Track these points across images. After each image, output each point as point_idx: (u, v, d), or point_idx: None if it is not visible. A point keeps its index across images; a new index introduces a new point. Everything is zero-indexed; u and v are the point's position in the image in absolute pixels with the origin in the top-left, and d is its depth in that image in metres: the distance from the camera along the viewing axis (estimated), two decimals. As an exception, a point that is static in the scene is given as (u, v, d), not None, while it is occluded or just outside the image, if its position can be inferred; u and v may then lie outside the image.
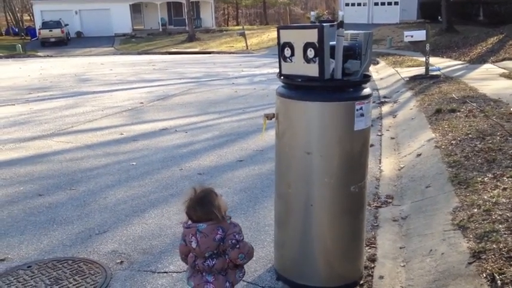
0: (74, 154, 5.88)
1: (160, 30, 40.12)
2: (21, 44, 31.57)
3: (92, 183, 4.83)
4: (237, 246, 2.12)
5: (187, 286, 2.25)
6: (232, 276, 2.18)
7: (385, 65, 16.07)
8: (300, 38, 2.76)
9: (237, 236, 2.13)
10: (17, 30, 45.37)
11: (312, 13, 3.12)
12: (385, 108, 8.85)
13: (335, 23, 2.81)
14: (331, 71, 2.79)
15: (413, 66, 13.74)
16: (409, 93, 9.58)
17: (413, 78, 11.13)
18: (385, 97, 10.02)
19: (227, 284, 2.16)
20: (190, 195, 2.19)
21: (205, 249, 2.09)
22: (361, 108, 2.78)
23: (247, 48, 28.24)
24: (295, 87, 2.86)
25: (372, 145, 6.21)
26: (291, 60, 2.84)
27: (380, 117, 8.04)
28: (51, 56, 27.74)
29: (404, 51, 19.15)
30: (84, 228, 3.79)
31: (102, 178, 5.00)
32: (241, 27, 36.53)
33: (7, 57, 28.25)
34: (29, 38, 39.15)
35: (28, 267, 3.19)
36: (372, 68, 16.11)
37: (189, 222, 2.16)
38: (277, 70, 2.96)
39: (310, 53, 2.72)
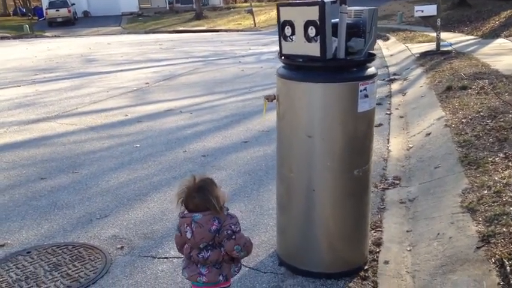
0: (78, 136, 5.83)
1: (168, 8, 39.75)
2: (29, 24, 31.46)
3: (94, 166, 4.78)
4: (233, 237, 2.04)
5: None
6: (226, 269, 2.11)
7: (395, 40, 15.76)
8: (300, 15, 2.63)
9: (233, 226, 2.05)
10: (24, 10, 45.20)
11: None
12: (395, 86, 8.67)
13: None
14: (334, 50, 2.67)
15: (424, 42, 13.44)
16: (419, 70, 9.38)
17: (424, 54, 10.88)
18: (394, 74, 9.82)
19: (220, 277, 2.08)
20: (189, 183, 2.11)
21: (200, 240, 2.02)
22: (365, 89, 2.66)
23: (255, 26, 27.89)
24: (296, 68, 2.74)
25: (380, 124, 6.09)
26: (291, 39, 2.72)
27: (389, 96, 7.88)
28: (59, 36, 27.64)
29: (415, 26, 18.76)
30: (85, 213, 3.75)
31: (105, 161, 4.94)
32: (249, 4, 36.05)
33: (15, 37, 28.21)
34: (37, 18, 38.99)
35: (27, 252, 3.16)
36: (382, 44, 15.83)
37: (185, 211, 2.08)
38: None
39: (311, 31, 2.59)
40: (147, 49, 16.46)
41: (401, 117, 6.45)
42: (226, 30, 27.11)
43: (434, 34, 11.69)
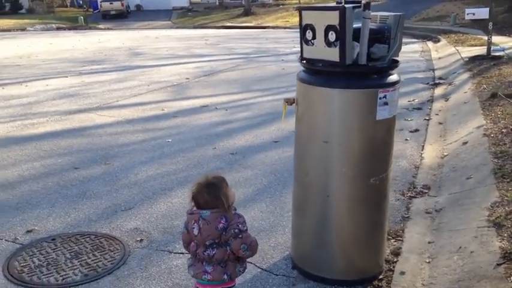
0: (114, 128, 6.01)
1: (217, 4, 40.16)
2: (84, 16, 32.61)
3: (126, 159, 4.92)
4: (240, 236, 2.06)
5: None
6: (231, 268, 2.12)
7: (446, 43, 15.29)
8: (321, 20, 2.61)
9: (240, 226, 2.07)
10: (80, 2, 46.86)
11: (338, -7, 2.94)
12: (438, 91, 8.42)
13: (360, 3, 2.63)
14: (356, 56, 2.64)
15: (475, 46, 12.96)
16: (466, 75, 9.06)
17: (473, 59, 10.49)
18: (440, 78, 9.53)
19: (225, 276, 2.11)
20: (201, 180, 2.15)
21: (207, 237, 2.04)
22: (384, 97, 2.61)
23: (302, 24, 27.69)
24: (315, 72, 2.72)
25: (416, 130, 5.95)
26: (312, 43, 2.70)
27: (431, 100, 7.66)
28: (111, 29, 28.47)
29: (468, 28, 18.10)
30: (111, 204, 3.87)
31: (136, 154, 5.07)
32: (298, 1, 35.88)
33: (70, 28, 29.29)
34: (92, 10, 40.34)
35: (52, 239, 3.29)
36: (431, 46, 15.41)
37: (194, 208, 2.11)
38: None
39: (332, 36, 2.56)
40: (193, 44, 16.70)
41: (440, 123, 6.27)
42: (273, 27, 27.09)
43: (487, 38, 11.26)
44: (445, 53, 13.52)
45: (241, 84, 9.01)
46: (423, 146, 5.40)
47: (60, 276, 2.87)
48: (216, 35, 21.05)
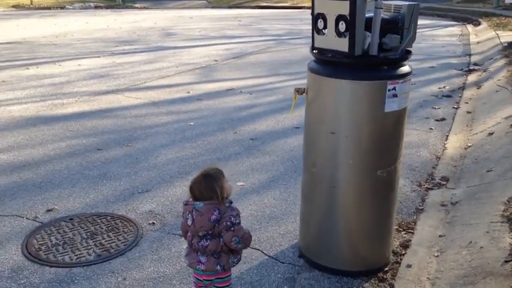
0: (139, 110, 6.12)
1: (254, -17, 39.73)
2: (121, -6, 32.85)
3: (148, 141, 5.02)
4: (232, 228, 2.10)
5: None
6: (224, 260, 2.17)
7: (486, 27, 14.74)
8: (332, 9, 2.59)
9: (232, 218, 2.11)
10: (119, -19, 47.16)
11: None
12: (471, 77, 8.18)
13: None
14: (367, 46, 2.61)
15: (516, 30, 12.48)
16: (502, 61, 8.75)
17: (512, 44, 10.12)
18: (475, 64, 9.25)
19: (218, 266, 2.16)
20: (199, 172, 2.20)
21: (199, 228, 2.10)
22: (393, 89, 2.58)
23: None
24: (325, 63, 2.70)
25: (443, 119, 5.83)
26: (323, 32, 2.68)
27: (462, 88, 7.46)
28: (147, 8, 28.66)
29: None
30: (130, 186, 3.98)
31: (158, 136, 5.17)
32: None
33: (107, 7, 29.62)
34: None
35: (70, 219, 3.43)
36: (470, 30, 14.90)
37: (190, 199, 2.17)
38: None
39: (342, 26, 2.54)
40: (225, 25, 16.68)
41: (468, 112, 6.11)
42: (308, 8, 26.67)
43: (526, 22, 10.81)
44: (484, 37, 13.06)
45: (269, 67, 8.98)
46: (447, 135, 5.29)
47: (75, 255, 3.00)
48: (250, 15, 20.93)
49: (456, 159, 4.62)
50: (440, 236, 3.29)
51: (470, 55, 10.40)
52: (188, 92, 7.06)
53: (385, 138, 2.69)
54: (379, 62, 2.59)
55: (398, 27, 2.67)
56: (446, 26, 15.92)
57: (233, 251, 2.20)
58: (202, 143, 4.98)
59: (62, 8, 28.18)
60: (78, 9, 28.17)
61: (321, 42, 2.72)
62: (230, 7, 28.61)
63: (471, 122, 5.73)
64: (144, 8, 29.26)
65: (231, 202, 2.18)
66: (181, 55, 10.31)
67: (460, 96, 6.93)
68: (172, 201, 3.71)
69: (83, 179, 4.11)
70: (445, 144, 5.03)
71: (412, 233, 3.37)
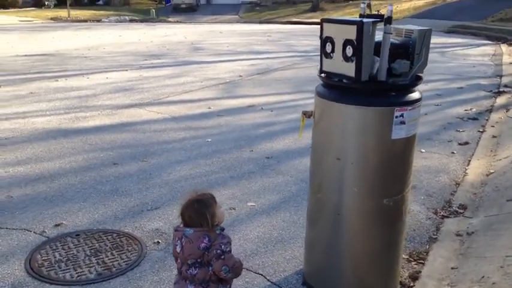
0: (159, 125, 6.16)
1: (286, -1, 40.01)
2: (155, 9, 33.63)
3: (163, 157, 5.04)
4: (222, 257, 2.04)
5: None
6: None
7: (520, 47, 14.38)
8: (340, 33, 2.54)
9: (223, 246, 2.05)
10: (154, -5, 48.27)
11: (362, 5, 2.86)
12: (501, 100, 7.94)
13: (382, 18, 2.53)
14: (375, 71, 2.54)
15: (551, 51, 12.10)
16: (535, 84, 8.49)
17: (545, 66, 9.81)
18: (506, 86, 8.98)
19: None
20: (190, 195, 2.16)
21: (188, 256, 2.05)
22: (401, 115, 2.49)
23: (371, 21, 27.10)
24: (331, 87, 2.65)
25: (466, 143, 5.66)
26: (331, 56, 2.63)
27: (490, 110, 7.24)
28: (180, 22, 29.19)
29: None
30: (140, 203, 3.98)
31: (174, 152, 5.18)
32: (368, -3, 34.96)
33: (141, 21, 30.32)
34: (164, 3, 41.49)
35: (76, 235, 3.44)
36: (504, 50, 14.54)
37: (180, 225, 2.13)
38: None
39: (349, 51, 2.49)
40: (254, 40, 16.77)
41: (493, 136, 5.91)
42: (340, 24, 26.55)
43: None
44: (518, 57, 12.72)
45: (293, 84, 8.94)
46: (469, 160, 5.12)
47: (76, 273, 2.99)
48: (279, 31, 21.02)
49: (476, 186, 4.45)
50: (452, 268, 3.15)
51: (501, 76, 10.11)
52: (209, 108, 7.08)
53: (392, 166, 2.60)
54: (387, 88, 2.51)
55: (409, 52, 2.60)
56: (479, 45, 15.57)
57: (222, 280, 2.13)
58: (217, 160, 4.95)
59: (98, 21, 28.99)
60: (114, 22, 28.92)
61: (329, 66, 2.67)
62: (261, 22, 28.84)
63: (496, 147, 5.53)
64: (177, 22, 29.82)
65: (222, 229, 2.12)
66: (206, 70, 10.39)
67: (487, 119, 6.72)
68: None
69: (94, 193, 4.14)
70: (466, 169, 4.86)
71: (423, 263, 3.24)
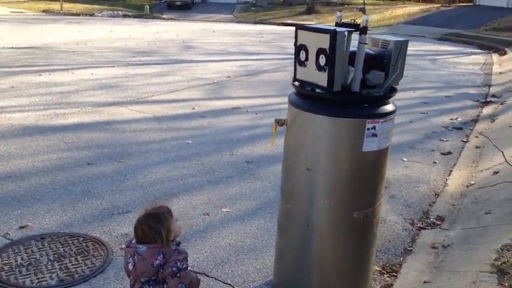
0: (140, 125, 6.06)
1: (281, 0, 39.92)
2: (150, 5, 33.36)
3: (140, 158, 4.93)
4: (178, 275, 1.95)
5: None
6: None
7: None
8: (313, 41, 2.47)
9: (179, 263, 1.95)
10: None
11: (339, 13, 2.79)
12: (487, 110, 7.91)
13: (356, 27, 2.46)
14: (350, 82, 2.47)
15: (541, 62, 12.12)
16: (522, 94, 8.48)
17: (534, 77, 9.81)
18: (493, 96, 8.96)
19: None
20: (146, 208, 2.07)
21: (141, 274, 1.95)
22: (373, 128, 2.43)
23: (365, 25, 27.15)
24: (303, 96, 2.59)
25: (449, 153, 5.61)
26: (305, 64, 2.56)
27: (476, 120, 7.21)
28: (174, 19, 29.02)
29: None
30: (111, 206, 3.87)
31: (152, 154, 5.08)
32: (363, 1, 35.03)
33: (135, 17, 30.11)
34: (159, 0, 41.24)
35: (41, 238, 3.33)
36: (495, 59, 14.56)
37: (133, 240, 2.02)
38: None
39: (322, 60, 2.42)
40: (247, 40, 16.68)
41: (477, 147, 5.86)
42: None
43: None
44: (508, 67, 12.72)
45: (281, 87, 8.86)
46: (451, 171, 5.07)
47: (37, 278, 2.89)
48: (273, 32, 20.94)
49: (456, 197, 4.40)
50: (425, 282, 3.09)
51: (490, 86, 10.11)
52: (193, 108, 6.98)
53: (362, 178, 2.53)
54: (359, 99, 2.44)
55: (384, 63, 2.53)
56: (470, 54, 15.59)
57: (179, 298, 2.05)
58: (196, 164, 4.86)
59: (91, 15, 28.75)
60: (107, 17, 28.69)
61: (302, 74, 2.60)
62: (255, 23, 28.73)
63: (478, 157, 5.49)
64: (171, 19, 29.63)
65: (178, 244, 2.03)
66: (195, 69, 10.29)
67: (472, 129, 6.68)
68: (150, 225, 3.59)
69: (65, 194, 4.03)
70: (446, 180, 4.81)
71: (396, 276, 3.17)
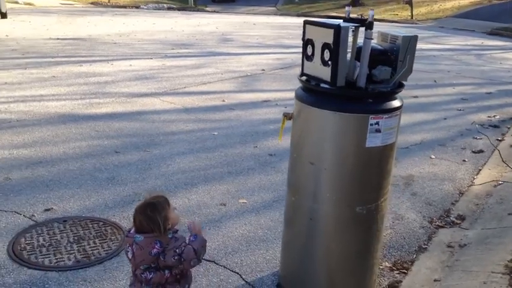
0: (169, 116, 6.20)
1: (326, -8, 39.43)
2: (194, -2, 33.72)
3: (166, 148, 5.06)
4: (182, 259, 2.01)
5: None
6: None
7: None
8: (319, 36, 2.48)
9: (177, 250, 2.00)
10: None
11: (347, 8, 2.78)
12: (529, 107, 7.61)
13: (362, 23, 2.45)
14: (355, 77, 2.47)
15: None
16: None
17: None
18: (538, 92, 8.61)
19: None
20: (144, 198, 2.14)
21: (140, 262, 2.02)
22: (377, 123, 2.42)
23: (411, 18, 26.44)
24: (309, 90, 2.60)
25: (480, 151, 5.46)
26: (312, 59, 2.58)
27: (515, 118, 6.96)
28: (217, 12, 29.22)
29: None
30: (132, 193, 4.01)
31: (178, 144, 5.20)
32: (410, -6, 34.11)
33: (179, 9, 30.48)
34: (204, -8, 41.56)
35: (64, 221, 3.50)
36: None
37: (132, 229, 2.10)
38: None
39: (326, 54, 2.43)
40: (286, 33, 16.62)
41: (511, 146, 5.68)
42: (378, 20, 25.97)
43: None
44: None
45: (314, 81, 8.82)
46: (480, 170, 4.93)
47: (55, 258, 3.05)
48: (314, 25, 20.72)
49: (481, 196, 4.29)
50: (435, 280, 3.05)
51: (534, 81, 9.70)
52: (223, 101, 7.07)
53: (366, 174, 2.52)
54: (363, 94, 2.43)
55: (392, 59, 2.51)
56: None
57: (180, 280, 2.11)
58: (219, 155, 4.95)
59: (137, 7, 29.33)
60: (152, 9, 29.22)
61: (309, 68, 2.62)
62: (298, 15, 28.50)
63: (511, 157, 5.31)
64: (214, 11, 29.85)
65: (175, 231, 2.10)
66: (230, 62, 10.37)
67: (509, 128, 6.46)
68: (167, 213, 3.70)
69: (90, 180, 4.20)
70: (474, 179, 4.69)
71: (406, 273, 3.15)
